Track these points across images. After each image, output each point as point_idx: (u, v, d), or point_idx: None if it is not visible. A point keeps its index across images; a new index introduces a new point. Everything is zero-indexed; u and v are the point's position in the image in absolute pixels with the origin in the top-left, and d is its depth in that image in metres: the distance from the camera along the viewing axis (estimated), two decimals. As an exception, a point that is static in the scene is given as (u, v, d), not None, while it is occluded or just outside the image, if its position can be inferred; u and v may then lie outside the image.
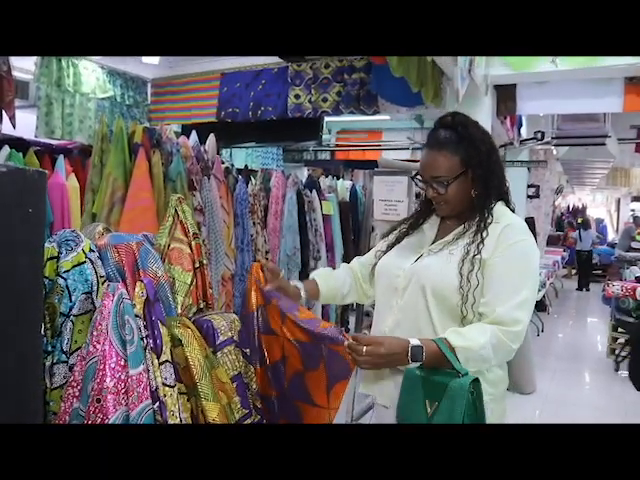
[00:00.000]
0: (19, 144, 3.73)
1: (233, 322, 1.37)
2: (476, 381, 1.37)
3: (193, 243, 1.41)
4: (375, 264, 1.75)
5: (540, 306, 7.86)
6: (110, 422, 0.99)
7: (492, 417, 1.52)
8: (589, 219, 13.47)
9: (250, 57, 5.11)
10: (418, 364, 1.41)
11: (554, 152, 9.04)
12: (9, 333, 0.60)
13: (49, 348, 1.13)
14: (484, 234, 1.51)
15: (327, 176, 6.85)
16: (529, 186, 8.51)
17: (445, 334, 1.45)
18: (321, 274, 1.83)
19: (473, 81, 3.94)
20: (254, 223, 4.53)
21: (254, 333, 1.49)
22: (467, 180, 1.56)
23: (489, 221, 1.53)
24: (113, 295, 1.07)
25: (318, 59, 5.03)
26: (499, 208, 1.59)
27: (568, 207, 16.58)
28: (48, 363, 1.12)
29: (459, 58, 3.43)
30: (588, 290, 11.70)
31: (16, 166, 0.59)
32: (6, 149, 3.56)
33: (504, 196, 1.64)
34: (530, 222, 8.65)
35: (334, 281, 1.80)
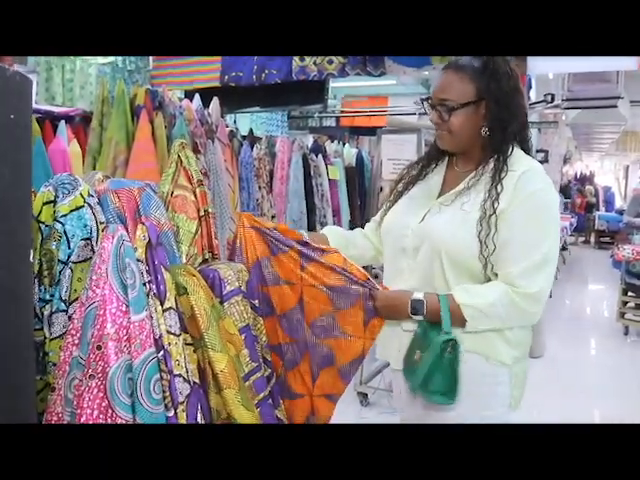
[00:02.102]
0: (19, 109, 3.65)
1: (240, 272, 1.31)
2: (454, 342, 1.34)
3: (198, 190, 1.35)
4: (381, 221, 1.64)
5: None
6: (112, 370, 0.94)
7: (515, 379, 1.46)
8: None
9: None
10: (420, 318, 1.39)
11: (563, 117, 8.87)
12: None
13: (47, 297, 1.07)
14: (499, 188, 1.37)
15: (332, 142, 6.76)
16: (538, 151, 8.37)
17: (453, 290, 1.39)
18: (331, 229, 1.75)
19: (484, 38, 3.83)
20: (259, 187, 4.46)
21: (257, 287, 1.42)
22: (478, 113, 1.42)
23: (504, 172, 1.39)
24: (113, 237, 1.01)
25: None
26: (516, 153, 1.44)
27: (575, 174, 16.38)
28: (47, 312, 1.06)
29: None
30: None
31: (-5, 66, 0.52)
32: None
33: (524, 145, 1.49)
34: (539, 188, 8.56)
35: (344, 240, 1.69)
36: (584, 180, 16.17)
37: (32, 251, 0.99)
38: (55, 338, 1.06)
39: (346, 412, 3.47)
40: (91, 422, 0.92)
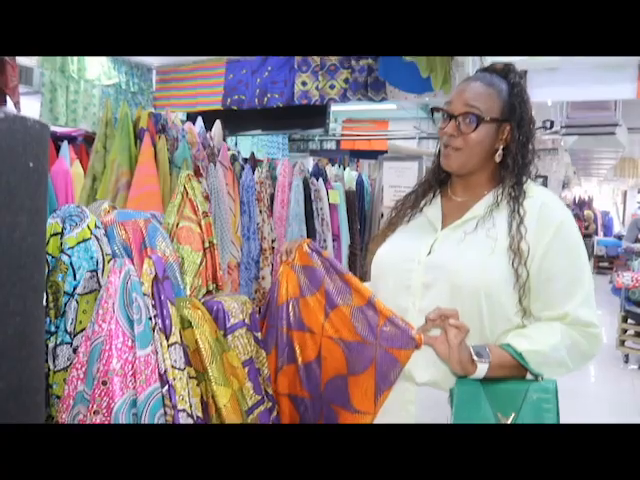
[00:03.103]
0: (22, 130, 3.68)
1: (244, 304, 1.31)
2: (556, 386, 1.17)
3: (203, 222, 1.35)
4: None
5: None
6: (117, 406, 0.93)
7: None
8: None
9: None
10: (485, 364, 1.17)
11: (562, 143, 8.93)
12: (8, 295, 0.54)
13: (52, 328, 1.07)
14: (521, 212, 1.25)
15: (333, 165, 6.78)
16: (537, 177, 8.41)
17: (507, 339, 1.23)
18: None
19: (484, 66, 3.88)
20: (260, 211, 4.48)
21: (282, 329, 1.39)
22: (499, 134, 1.32)
23: (522, 197, 1.28)
24: (120, 271, 1.01)
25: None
26: (530, 184, 1.33)
27: (574, 199, 16.46)
28: (51, 344, 1.06)
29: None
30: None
31: (16, 113, 0.53)
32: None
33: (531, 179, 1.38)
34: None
35: None
36: (582, 205, 16.25)
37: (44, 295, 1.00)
38: (59, 370, 1.05)
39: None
40: (94, 459, 0.91)
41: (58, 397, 1.03)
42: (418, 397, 1.29)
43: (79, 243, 1.09)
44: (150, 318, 1.03)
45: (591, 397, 4.83)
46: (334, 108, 6.51)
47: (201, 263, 1.32)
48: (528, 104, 1.34)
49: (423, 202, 1.46)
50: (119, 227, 1.18)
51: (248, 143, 7.16)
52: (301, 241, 1.44)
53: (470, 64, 3.48)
